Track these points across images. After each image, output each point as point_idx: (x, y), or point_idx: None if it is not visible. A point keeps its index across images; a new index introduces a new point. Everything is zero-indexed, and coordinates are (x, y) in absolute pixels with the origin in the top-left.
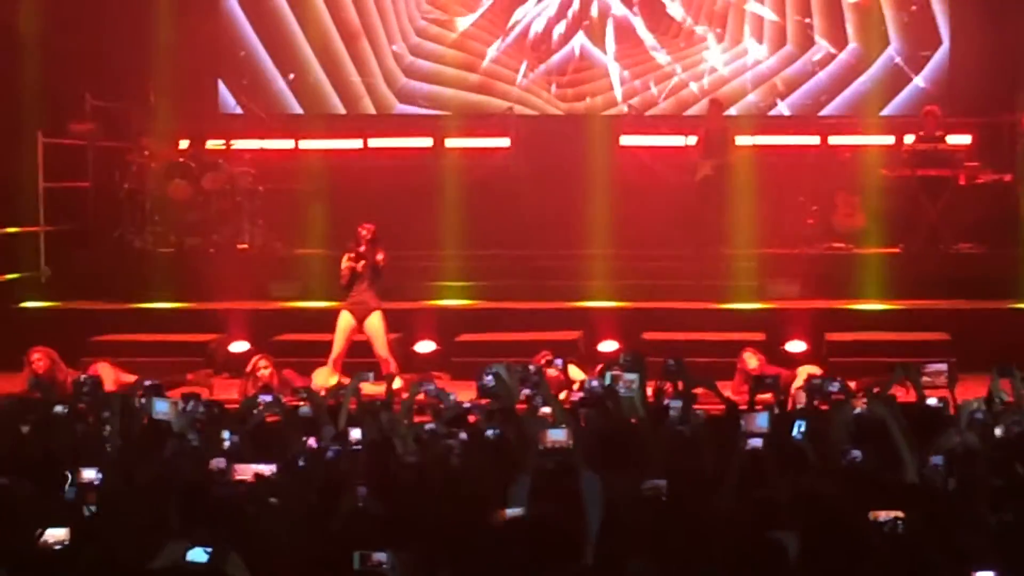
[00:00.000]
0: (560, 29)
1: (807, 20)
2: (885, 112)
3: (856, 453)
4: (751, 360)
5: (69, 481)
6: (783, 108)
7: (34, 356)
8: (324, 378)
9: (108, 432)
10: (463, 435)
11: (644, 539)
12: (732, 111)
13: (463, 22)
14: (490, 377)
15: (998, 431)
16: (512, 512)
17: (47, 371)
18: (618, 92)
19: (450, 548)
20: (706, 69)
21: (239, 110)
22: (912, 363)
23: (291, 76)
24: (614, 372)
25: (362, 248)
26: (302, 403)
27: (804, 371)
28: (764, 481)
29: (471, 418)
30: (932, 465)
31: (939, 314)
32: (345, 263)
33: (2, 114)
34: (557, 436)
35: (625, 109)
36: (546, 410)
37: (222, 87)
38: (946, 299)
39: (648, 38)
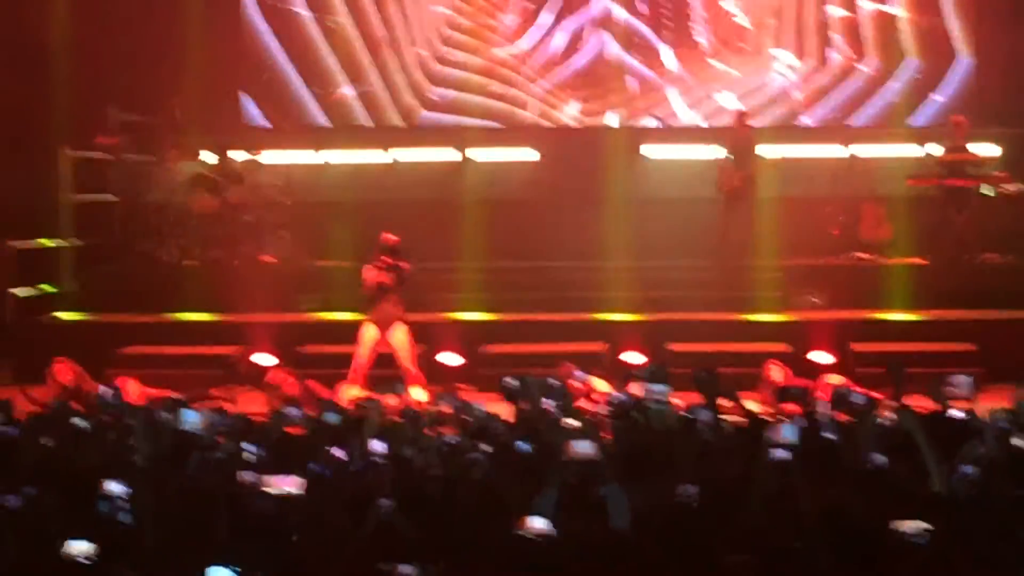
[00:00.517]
0: (583, 43)
1: (828, 34)
2: (911, 122)
3: (881, 459)
4: (776, 373)
5: (99, 494)
6: (807, 120)
7: (57, 368)
8: (348, 392)
9: (134, 444)
10: (487, 448)
11: (674, 546)
12: (756, 123)
13: (489, 31)
14: (514, 380)
15: (1018, 441)
16: (534, 523)
17: (72, 383)
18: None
19: (475, 561)
20: (728, 83)
21: (263, 123)
22: (937, 374)
23: (317, 91)
24: (640, 383)
25: (390, 262)
26: (327, 415)
27: (829, 381)
28: (792, 492)
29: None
30: (961, 474)
31: (966, 325)
32: (368, 273)
33: (29, 128)
34: (583, 448)
35: (654, 123)
36: (571, 422)
37: (245, 100)
38: (973, 309)
39: (669, 53)
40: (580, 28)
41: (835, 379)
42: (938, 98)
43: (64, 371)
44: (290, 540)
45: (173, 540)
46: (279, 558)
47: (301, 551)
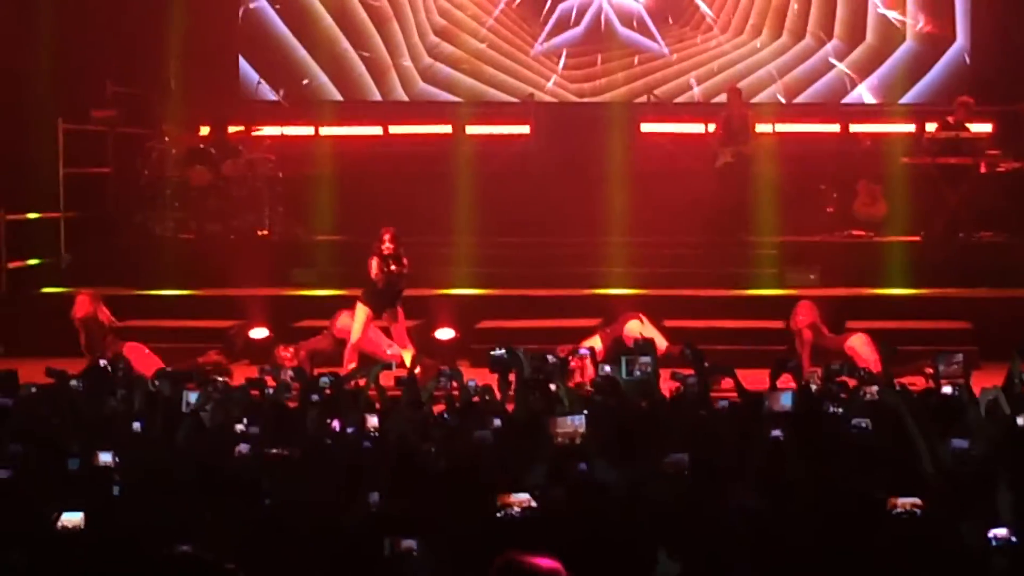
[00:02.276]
0: (579, 17)
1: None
2: (905, 100)
3: (864, 422)
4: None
5: (77, 457)
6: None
7: (77, 301)
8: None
9: (135, 412)
10: (494, 423)
11: (666, 519)
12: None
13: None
14: (501, 351)
15: (1021, 420)
16: (517, 498)
17: (89, 314)
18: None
19: (470, 537)
20: (725, 61)
21: (266, 96)
22: (931, 352)
23: (305, 81)
24: (628, 357)
25: (392, 257)
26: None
27: (858, 340)
28: (784, 467)
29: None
30: (955, 448)
31: (960, 302)
32: (376, 267)
33: (23, 101)
34: (570, 424)
35: (650, 98)
36: (560, 396)
37: (242, 72)
38: (967, 287)
39: (655, 31)
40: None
41: (860, 337)
42: (937, 72)
43: (83, 303)
44: (263, 504)
45: (153, 507)
46: (271, 528)
47: (297, 523)
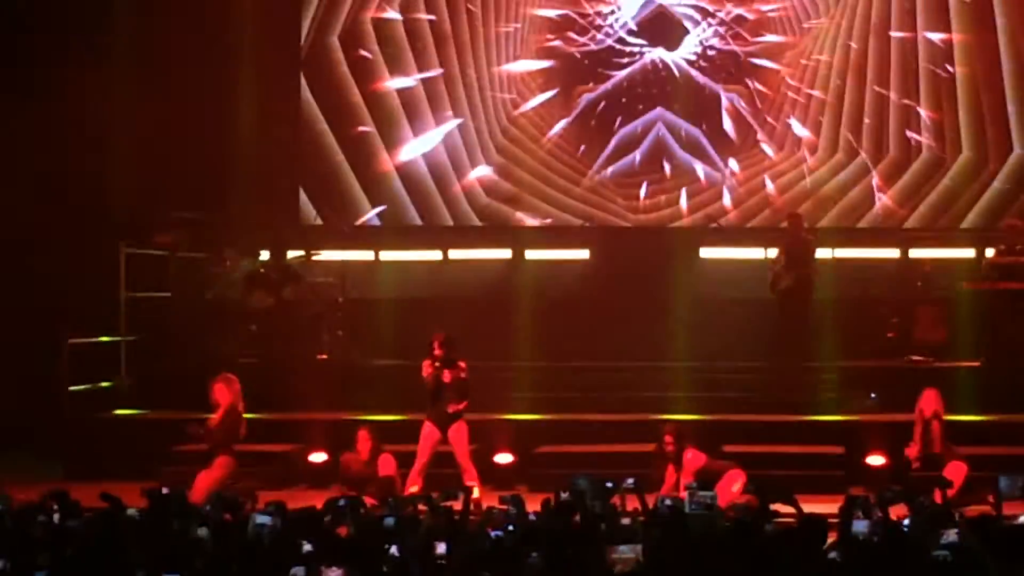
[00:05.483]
0: (636, 144)
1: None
2: (966, 224)
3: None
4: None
5: None
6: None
7: (216, 387)
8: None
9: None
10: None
11: None
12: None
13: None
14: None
15: None
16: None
17: (229, 403)
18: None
19: None
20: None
21: (319, 221)
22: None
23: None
24: (691, 488)
25: (439, 355)
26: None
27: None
28: None
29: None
30: None
31: (1022, 428)
32: (427, 369)
33: (86, 225)
34: (628, 553)
35: (710, 224)
36: (625, 522)
37: (303, 198)
38: None
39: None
40: (635, 131)
41: None
42: (998, 185)
43: (222, 391)
44: None
45: None
46: None
47: None
